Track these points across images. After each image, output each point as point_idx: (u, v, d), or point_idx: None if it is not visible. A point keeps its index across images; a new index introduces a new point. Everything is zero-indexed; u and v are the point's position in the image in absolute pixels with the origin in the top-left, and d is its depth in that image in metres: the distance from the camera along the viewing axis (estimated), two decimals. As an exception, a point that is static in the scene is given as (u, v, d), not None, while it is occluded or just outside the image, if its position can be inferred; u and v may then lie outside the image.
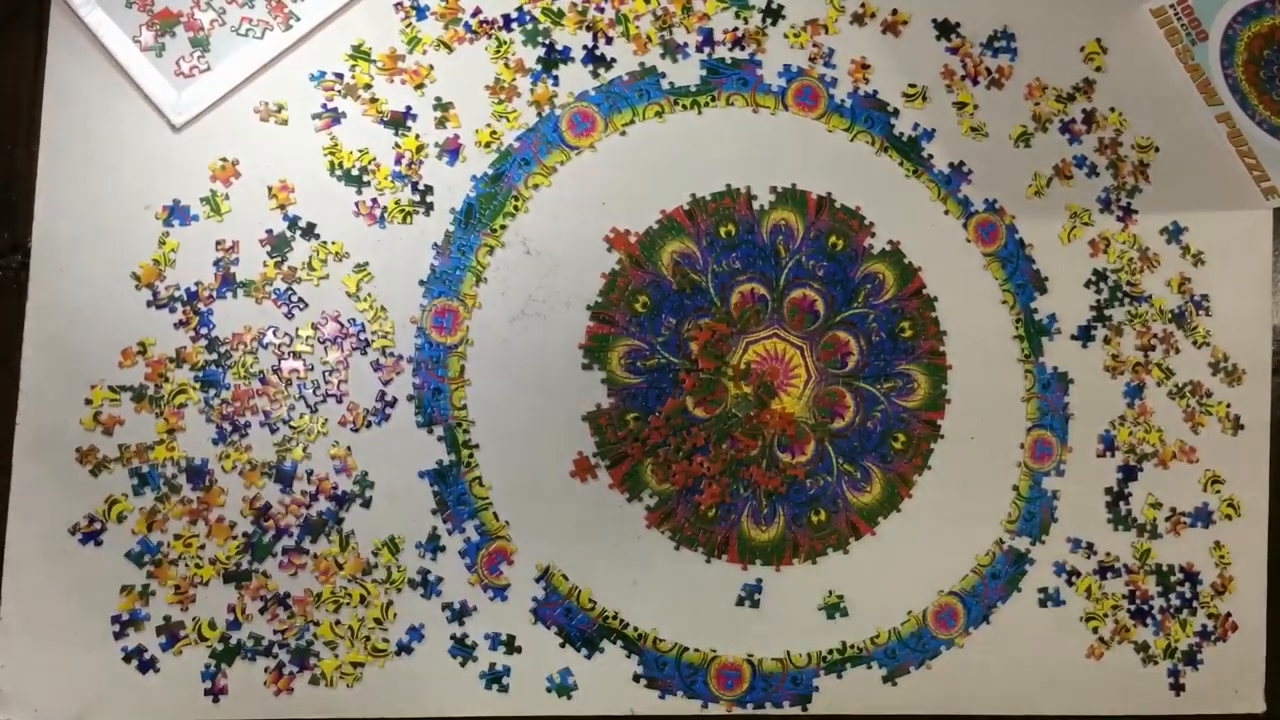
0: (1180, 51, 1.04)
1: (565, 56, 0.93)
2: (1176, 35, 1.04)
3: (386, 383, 0.88)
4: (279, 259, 0.86)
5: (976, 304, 1.01)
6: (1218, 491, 1.06)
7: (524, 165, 0.91)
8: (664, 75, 0.95)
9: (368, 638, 0.86)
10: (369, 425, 0.87)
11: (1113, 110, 1.05)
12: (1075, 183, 1.04)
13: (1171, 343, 1.05)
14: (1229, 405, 1.07)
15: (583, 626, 0.90)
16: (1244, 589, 1.06)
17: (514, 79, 0.92)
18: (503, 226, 0.90)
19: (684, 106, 0.95)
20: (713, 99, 0.96)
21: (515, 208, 0.91)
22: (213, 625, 0.84)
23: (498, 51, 0.92)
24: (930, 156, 1.00)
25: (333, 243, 0.87)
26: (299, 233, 0.87)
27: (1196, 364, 1.06)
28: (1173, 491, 1.05)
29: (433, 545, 0.88)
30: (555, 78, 0.93)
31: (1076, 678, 1.01)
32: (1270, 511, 1.07)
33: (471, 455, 0.89)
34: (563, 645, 0.90)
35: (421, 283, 0.89)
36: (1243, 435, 1.07)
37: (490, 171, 0.90)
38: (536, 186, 0.91)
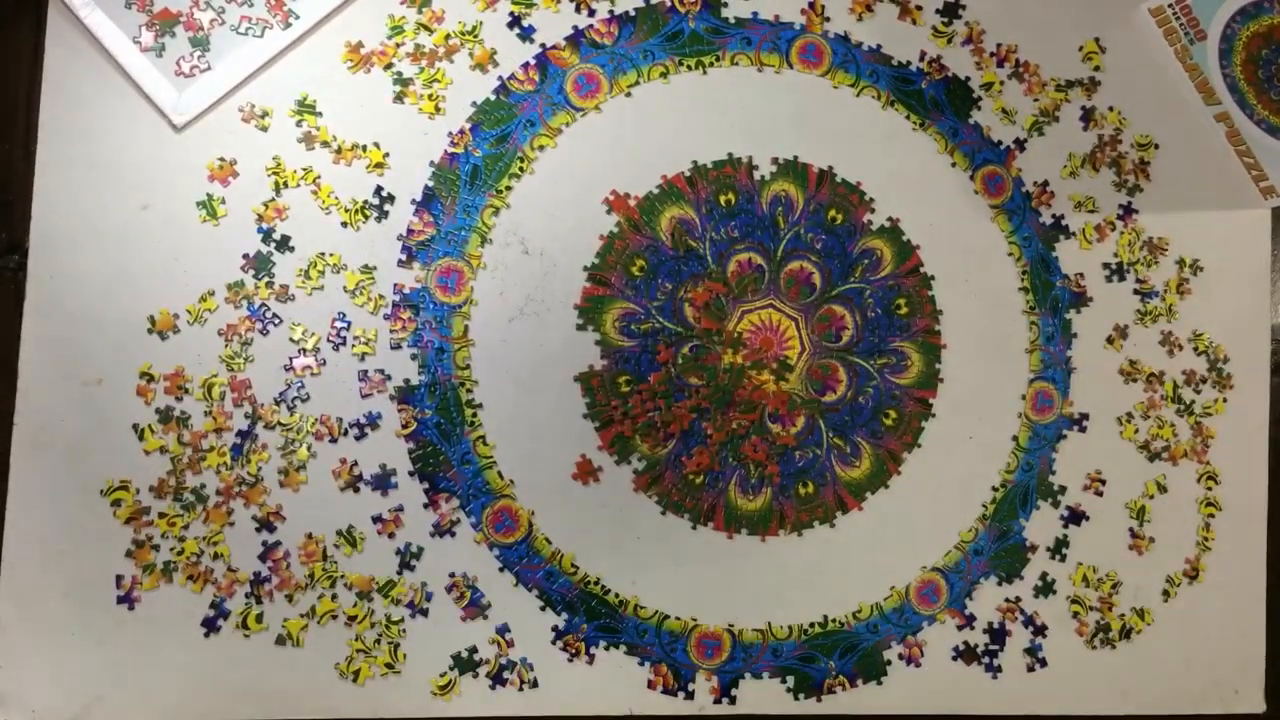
0: (1179, 51, 1.06)
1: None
2: (1175, 35, 1.05)
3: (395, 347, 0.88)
4: (274, 265, 0.86)
5: (982, 255, 1.01)
6: (1210, 489, 1.04)
7: (529, 127, 0.93)
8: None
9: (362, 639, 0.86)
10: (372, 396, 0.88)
11: (1111, 109, 1.06)
12: (1074, 180, 1.04)
13: (1171, 342, 1.05)
14: (1225, 402, 1.06)
15: (563, 591, 0.89)
16: (1243, 588, 1.04)
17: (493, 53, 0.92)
18: (508, 188, 0.91)
19: (688, 67, 0.96)
20: (717, 59, 0.97)
21: (520, 169, 0.92)
22: (215, 624, 0.84)
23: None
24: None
25: (327, 251, 0.88)
26: (293, 234, 0.87)
27: (1196, 364, 1.06)
28: (1171, 490, 1.03)
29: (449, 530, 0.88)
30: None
31: (1077, 677, 0.99)
32: (1270, 511, 1.06)
33: (475, 415, 0.88)
34: (543, 609, 0.88)
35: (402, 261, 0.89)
36: (1243, 435, 1.06)
37: (495, 133, 0.91)
38: (541, 148, 0.92)
